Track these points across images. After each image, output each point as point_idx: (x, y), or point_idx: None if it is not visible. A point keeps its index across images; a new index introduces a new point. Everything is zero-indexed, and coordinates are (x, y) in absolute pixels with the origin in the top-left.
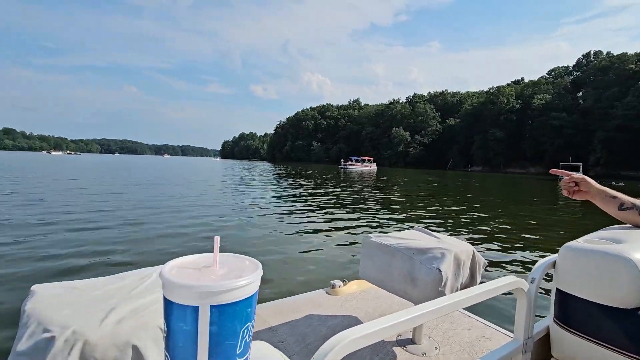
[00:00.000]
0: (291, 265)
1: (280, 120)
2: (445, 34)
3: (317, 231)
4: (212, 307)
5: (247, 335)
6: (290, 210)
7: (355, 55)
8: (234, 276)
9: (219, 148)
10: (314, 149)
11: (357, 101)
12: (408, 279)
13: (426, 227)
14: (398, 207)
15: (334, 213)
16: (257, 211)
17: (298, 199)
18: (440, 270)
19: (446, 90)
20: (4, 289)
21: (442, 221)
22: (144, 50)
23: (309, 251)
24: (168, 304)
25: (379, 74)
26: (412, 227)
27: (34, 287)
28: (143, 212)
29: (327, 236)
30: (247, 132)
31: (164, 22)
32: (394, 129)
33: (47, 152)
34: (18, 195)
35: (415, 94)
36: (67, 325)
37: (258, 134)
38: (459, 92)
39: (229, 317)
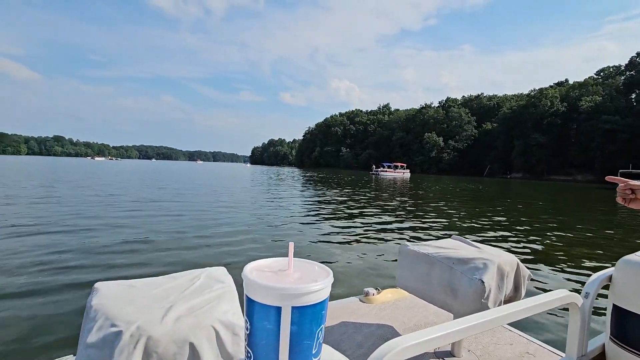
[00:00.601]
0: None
1: (309, 127)
2: (477, 36)
3: (349, 238)
4: (293, 308)
5: (321, 337)
6: (321, 217)
7: (383, 61)
8: (310, 280)
9: (248, 154)
10: (343, 154)
11: (387, 106)
12: (448, 290)
13: (463, 237)
14: (433, 215)
15: (366, 220)
16: (289, 217)
17: (330, 206)
18: (482, 282)
19: (482, 93)
20: (69, 285)
21: (480, 230)
22: (181, 61)
23: (342, 258)
24: (251, 303)
25: (408, 79)
26: (448, 237)
27: (97, 285)
28: (183, 218)
29: (359, 243)
30: (276, 139)
31: (198, 35)
32: (426, 134)
33: (91, 158)
34: (99, 200)
35: (448, 98)
36: (131, 321)
37: (287, 140)
38: (495, 96)
39: (307, 318)
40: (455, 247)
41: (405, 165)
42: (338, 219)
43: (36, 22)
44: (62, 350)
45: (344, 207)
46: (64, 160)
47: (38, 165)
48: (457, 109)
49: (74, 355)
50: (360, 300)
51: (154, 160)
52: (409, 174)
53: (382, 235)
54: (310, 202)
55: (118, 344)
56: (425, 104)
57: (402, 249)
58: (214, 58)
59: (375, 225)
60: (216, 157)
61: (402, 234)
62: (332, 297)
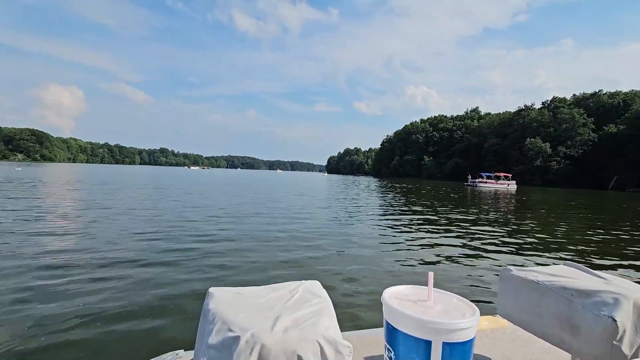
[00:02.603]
0: None
1: (387, 135)
2: (580, 28)
3: (438, 256)
4: (444, 343)
5: None
6: (409, 230)
7: (465, 64)
8: (457, 315)
9: (323, 163)
10: (425, 163)
11: (475, 110)
12: (566, 326)
13: (579, 263)
14: (542, 235)
15: (459, 238)
16: (377, 231)
17: (419, 218)
18: (614, 320)
19: (600, 90)
20: (187, 288)
21: (602, 256)
22: (262, 77)
23: (422, 275)
24: (394, 332)
25: (494, 81)
26: (560, 262)
27: (211, 290)
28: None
29: (450, 262)
30: (352, 148)
31: (278, 52)
32: (527, 139)
33: (188, 167)
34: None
35: (554, 97)
36: (246, 327)
37: (362, 149)
38: (619, 92)
39: (457, 355)
40: (571, 275)
41: (510, 175)
42: (424, 232)
43: (149, 53)
44: (170, 343)
45: (432, 220)
46: (167, 169)
47: (152, 174)
48: (568, 110)
49: (185, 350)
50: None
51: (239, 169)
52: (514, 186)
53: (476, 254)
54: (400, 214)
55: (236, 348)
56: (525, 106)
57: (505, 273)
58: (291, 73)
59: (468, 244)
60: (294, 166)
61: (500, 254)
62: None
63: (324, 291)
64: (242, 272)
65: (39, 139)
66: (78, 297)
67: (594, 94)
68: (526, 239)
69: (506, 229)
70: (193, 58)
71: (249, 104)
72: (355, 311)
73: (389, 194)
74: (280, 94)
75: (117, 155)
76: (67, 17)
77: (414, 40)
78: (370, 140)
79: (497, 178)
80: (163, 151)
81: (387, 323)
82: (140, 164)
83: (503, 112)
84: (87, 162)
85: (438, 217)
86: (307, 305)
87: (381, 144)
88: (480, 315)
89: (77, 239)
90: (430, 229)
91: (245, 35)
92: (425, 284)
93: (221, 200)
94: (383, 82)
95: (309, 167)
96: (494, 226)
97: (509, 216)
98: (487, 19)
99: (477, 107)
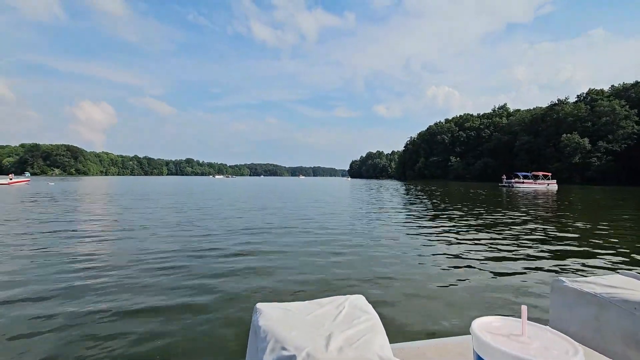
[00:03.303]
0: (441, 300)
1: (411, 137)
2: (611, 17)
3: (472, 262)
4: None
5: None
6: (447, 237)
7: (488, 61)
8: (560, 353)
9: (345, 168)
10: (452, 164)
11: (504, 107)
12: (631, 342)
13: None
14: (593, 239)
15: (497, 241)
16: (413, 237)
17: (458, 223)
18: None
19: None
20: (233, 302)
21: None
22: (282, 85)
23: (470, 284)
24: None
25: (519, 78)
26: (615, 271)
27: (259, 306)
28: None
29: (485, 269)
30: (374, 151)
31: (296, 59)
32: (563, 135)
33: (212, 176)
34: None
35: (591, 90)
36: (301, 346)
37: (385, 152)
38: None
39: None
40: (631, 286)
41: (549, 174)
42: (459, 237)
43: (173, 67)
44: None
45: (468, 224)
46: (194, 178)
47: (181, 184)
48: (608, 102)
49: None
50: None
51: (262, 176)
52: (555, 186)
53: (522, 260)
54: (437, 219)
55: None
56: (558, 100)
57: (557, 284)
58: (310, 79)
59: (506, 248)
60: (316, 172)
61: (547, 261)
62: (462, 328)
63: (370, 306)
64: (281, 284)
65: (74, 154)
66: (117, 304)
67: (636, 84)
68: (575, 244)
69: (552, 233)
70: (214, 69)
71: (269, 111)
72: (397, 324)
73: (420, 197)
74: (300, 101)
75: (146, 166)
76: (95, 37)
77: (433, 40)
78: (392, 143)
79: (536, 177)
80: (189, 161)
81: (479, 357)
82: (167, 174)
83: (534, 108)
84: (118, 174)
85: (476, 221)
86: (356, 322)
87: (404, 146)
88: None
89: (123, 250)
90: (470, 234)
91: (264, 45)
92: (474, 297)
93: (248, 210)
94: (402, 84)
95: (331, 172)
96: (537, 230)
97: (553, 219)
98: (509, 14)
99: (506, 104)
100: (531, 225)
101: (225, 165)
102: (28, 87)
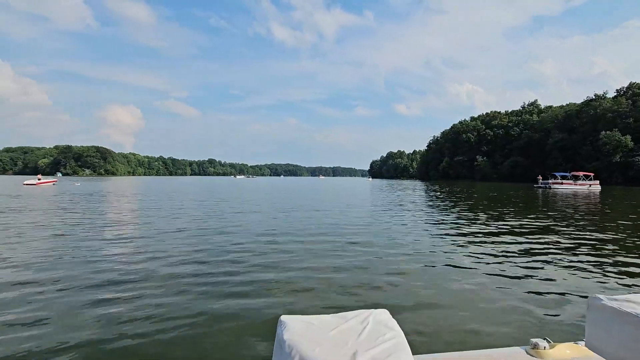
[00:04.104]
0: (478, 312)
1: (434, 135)
2: None
3: (507, 271)
4: None
5: None
6: (478, 241)
7: (513, 56)
8: None
9: (365, 167)
10: (479, 164)
11: (534, 104)
12: None
13: None
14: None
15: (534, 249)
16: (444, 243)
17: (488, 227)
18: None
19: None
20: (257, 311)
21: None
22: (301, 85)
23: (499, 294)
24: None
25: (547, 73)
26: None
27: (283, 318)
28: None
29: (520, 278)
30: (395, 151)
31: (315, 59)
32: (602, 132)
33: (234, 176)
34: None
35: (632, 83)
36: None
37: (406, 152)
38: None
39: None
40: None
41: (591, 175)
42: (501, 244)
43: (196, 70)
44: None
45: (510, 228)
46: (216, 179)
47: (205, 184)
48: None
49: None
50: (527, 353)
51: (282, 177)
52: (598, 187)
53: (558, 269)
54: (466, 221)
55: None
56: (596, 95)
57: (594, 302)
58: (329, 79)
59: (541, 258)
60: (335, 172)
61: (588, 273)
62: (485, 342)
63: (395, 322)
64: (306, 293)
65: (103, 155)
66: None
67: None
68: (621, 255)
69: (594, 241)
70: (235, 71)
71: (289, 112)
72: (423, 336)
73: (448, 199)
74: (319, 100)
75: (171, 167)
76: (123, 43)
77: (455, 36)
78: (412, 142)
79: (576, 178)
80: (211, 162)
81: None
82: (191, 174)
83: (567, 104)
84: (144, 174)
85: (513, 225)
86: (381, 340)
87: (427, 146)
88: (559, 341)
89: (144, 253)
90: (505, 240)
91: (283, 46)
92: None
93: (272, 214)
94: (423, 82)
95: (351, 173)
96: (578, 237)
97: (596, 224)
98: (537, 7)
99: (536, 101)
100: (572, 232)
101: (246, 165)
102: (62, 92)
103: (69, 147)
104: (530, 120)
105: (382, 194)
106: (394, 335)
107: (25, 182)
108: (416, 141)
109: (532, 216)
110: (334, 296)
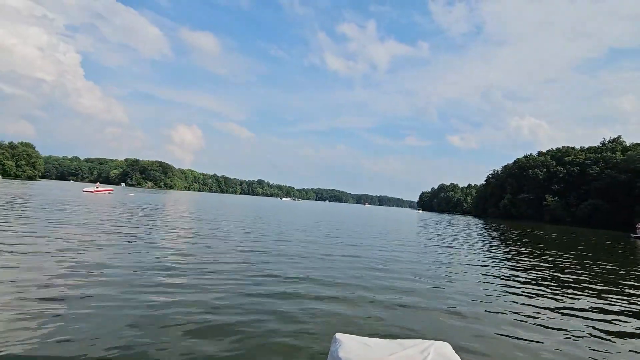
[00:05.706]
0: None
1: (494, 169)
2: None
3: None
4: None
5: None
6: (551, 292)
7: (585, 90)
8: None
9: (412, 198)
10: (548, 204)
11: (617, 140)
12: None
13: None
14: None
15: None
16: (517, 286)
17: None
18: None
19: None
20: (311, 327)
21: None
22: (353, 113)
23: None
24: None
25: (625, 108)
26: None
27: (338, 336)
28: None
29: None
30: (448, 184)
31: (368, 89)
32: None
33: (280, 198)
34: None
35: None
36: None
37: (460, 185)
38: None
39: None
40: None
41: None
42: (579, 301)
43: (254, 95)
44: None
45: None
46: (264, 199)
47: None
48: None
49: None
50: None
51: (327, 202)
52: None
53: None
54: (541, 268)
55: None
56: None
57: None
58: (381, 107)
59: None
60: (382, 200)
61: None
62: None
63: (458, 357)
64: (359, 316)
65: (165, 169)
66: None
67: None
68: None
69: None
70: (290, 98)
71: (338, 138)
72: None
73: (521, 241)
74: (369, 129)
75: (223, 185)
76: (192, 70)
77: (517, 68)
78: (465, 175)
79: None
80: (260, 182)
81: None
82: (240, 193)
83: None
84: (198, 190)
85: (606, 282)
86: None
87: (486, 180)
88: None
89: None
90: (597, 302)
91: (336, 75)
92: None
93: (323, 240)
94: (480, 114)
95: (397, 203)
96: None
97: None
98: (612, 38)
99: (619, 137)
100: None
101: (293, 188)
102: (138, 111)
103: (136, 161)
104: (613, 159)
105: (437, 227)
106: None
107: (84, 189)
108: (470, 175)
109: (617, 266)
110: (386, 322)
